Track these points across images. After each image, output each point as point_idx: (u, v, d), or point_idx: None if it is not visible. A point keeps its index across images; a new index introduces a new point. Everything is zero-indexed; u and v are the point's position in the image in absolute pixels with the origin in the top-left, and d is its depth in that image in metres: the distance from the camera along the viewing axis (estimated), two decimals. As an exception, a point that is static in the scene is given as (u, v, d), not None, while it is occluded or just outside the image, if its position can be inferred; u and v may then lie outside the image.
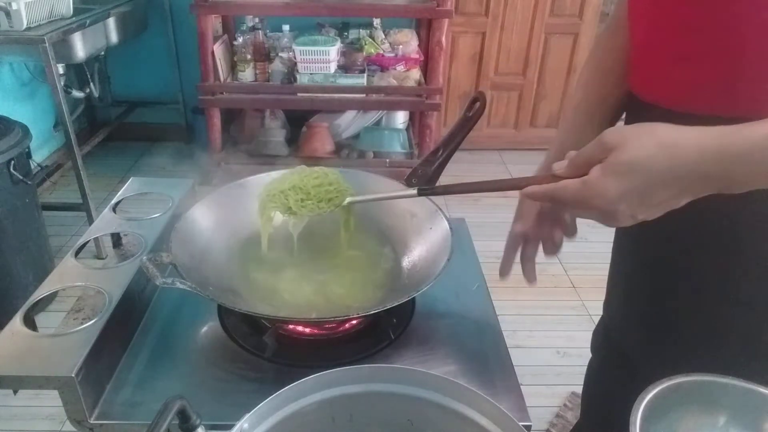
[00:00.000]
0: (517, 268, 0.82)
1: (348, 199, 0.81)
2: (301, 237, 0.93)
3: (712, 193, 0.53)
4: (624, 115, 0.80)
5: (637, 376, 0.86)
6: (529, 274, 0.81)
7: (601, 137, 0.54)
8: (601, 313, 0.96)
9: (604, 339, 0.96)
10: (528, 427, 0.67)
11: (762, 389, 0.56)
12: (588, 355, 1.02)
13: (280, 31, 2.89)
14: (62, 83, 2.17)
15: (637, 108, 0.73)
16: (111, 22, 2.52)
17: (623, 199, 0.53)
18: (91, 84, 2.80)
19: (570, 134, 0.82)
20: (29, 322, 0.71)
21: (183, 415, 0.52)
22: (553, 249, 0.79)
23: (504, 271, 0.82)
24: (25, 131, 1.88)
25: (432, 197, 0.90)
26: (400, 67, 2.82)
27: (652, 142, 0.52)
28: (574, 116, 0.83)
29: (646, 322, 0.81)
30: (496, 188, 0.69)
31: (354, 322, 0.81)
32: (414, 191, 0.73)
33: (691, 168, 0.51)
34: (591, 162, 0.55)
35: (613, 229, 0.83)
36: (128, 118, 3.22)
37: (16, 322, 0.71)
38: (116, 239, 0.93)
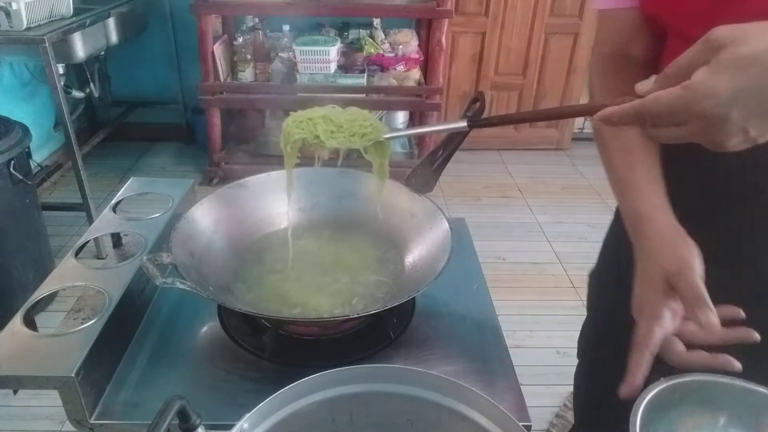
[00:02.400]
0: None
1: (385, 135, 0.73)
2: (301, 237, 0.93)
3: None
4: None
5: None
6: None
7: (708, 35, 0.45)
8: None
9: (595, 341, 0.94)
10: (528, 427, 0.67)
11: (762, 389, 0.56)
12: (588, 355, 1.02)
13: (280, 31, 2.89)
14: (62, 83, 2.17)
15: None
16: (111, 22, 2.52)
17: (738, 100, 0.43)
18: (91, 84, 2.79)
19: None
20: (29, 322, 0.71)
21: (183, 415, 0.52)
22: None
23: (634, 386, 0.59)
24: (25, 131, 1.88)
25: (432, 196, 0.90)
26: (400, 67, 2.82)
27: None
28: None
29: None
30: (560, 116, 0.61)
31: (354, 322, 0.81)
32: (464, 123, 0.64)
33: None
34: (692, 67, 0.45)
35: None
36: (128, 118, 3.22)
37: (16, 322, 0.71)
38: (116, 239, 0.93)
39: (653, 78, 0.49)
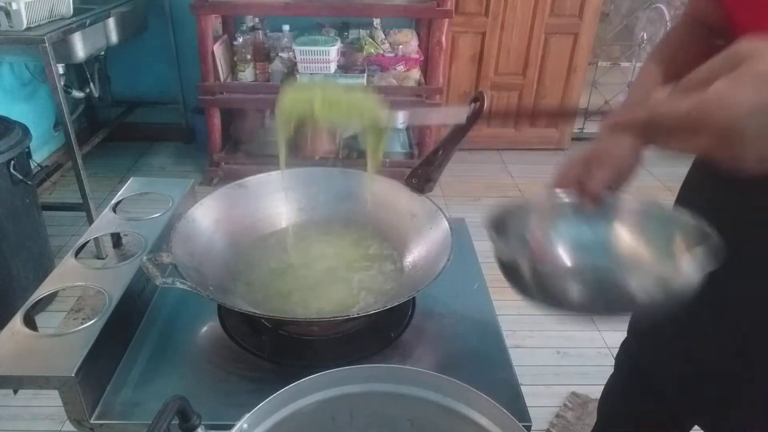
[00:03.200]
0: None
1: (384, 123, 0.72)
2: (300, 237, 0.93)
3: None
4: None
5: (663, 402, 0.85)
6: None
7: (731, 47, 0.43)
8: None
9: (630, 363, 0.95)
10: (528, 427, 0.67)
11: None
12: (588, 355, 1.02)
13: (280, 31, 2.89)
14: (62, 83, 2.16)
15: None
16: (111, 22, 2.52)
17: (755, 116, 0.40)
18: (91, 84, 2.79)
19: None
20: (29, 322, 0.71)
21: (183, 415, 0.52)
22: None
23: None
24: (25, 131, 1.88)
25: (432, 196, 0.90)
26: (400, 67, 2.82)
27: None
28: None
29: (694, 364, 0.78)
30: (564, 114, 0.61)
31: (354, 322, 0.81)
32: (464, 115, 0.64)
33: None
34: (712, 78, 0.43)
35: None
36: (128, 118, 3.22)
37: (16, 322, 0.71)
38: (116, 239, 0.93)
39: (669, 88, 0.47)
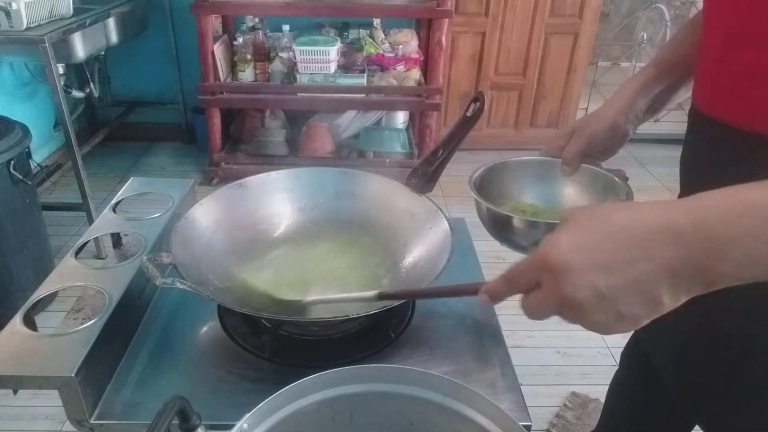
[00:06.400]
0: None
1: (307, 300, 0.78)
2: (300, 237, 0.93)
3: (701, 289, 0.42)
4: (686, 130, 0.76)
5: (667, 395, 0.86)
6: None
7: (533, 254, 0.47)
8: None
9: (637, 356, 0.95)
10: (528, 427, 0.67)
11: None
12: (588, 355, 1.02)
13: (280, 31, 2.89)
14: (62, 83, 2.17)
15: (700, 122, 0.69)
16: (111, 22, 2.52)
17: (577, 251, 0.43)
18: (91, 84, 2.79)
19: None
20: (29, 322, 0.71)
21: (183, 415, 0.52)
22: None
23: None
24: (25, 131, 1.88)
25: (432, 196, 0.90)
26: (400, 67, 2.82)
27: (607, 218, 0.44)
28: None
29: (692, 356, 0.78)
30: (452, 293, 0.71)
31: (354, 322, 0.81)
32: (375, 293, 0.71)
33: (659, 224, 0.41)
34: (530, 273, 0.47)
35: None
36: (128, 118, 3.22)
37: (16, 322, 0.71)
38: (116, 239, 0.93)
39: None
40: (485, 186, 0.84)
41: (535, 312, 0.48)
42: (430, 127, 2.91)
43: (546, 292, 0.46)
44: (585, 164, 0.81)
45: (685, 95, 0.81)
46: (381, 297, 0.71)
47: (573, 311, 0.45)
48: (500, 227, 0.77)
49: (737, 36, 0.61)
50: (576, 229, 0.44)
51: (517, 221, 0.75)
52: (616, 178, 0.79)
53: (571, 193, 0.84)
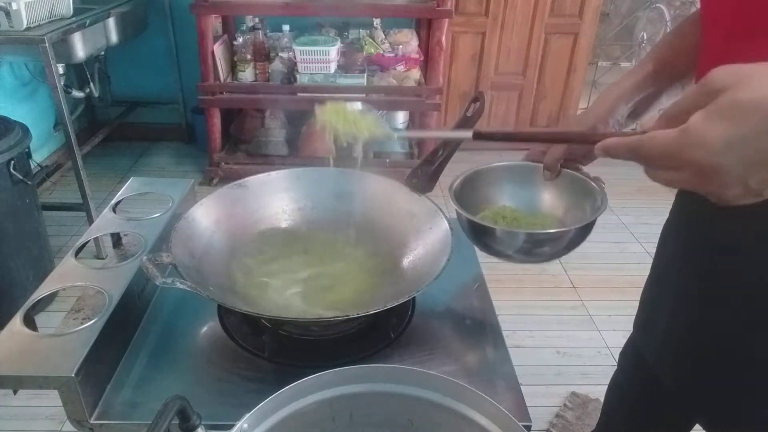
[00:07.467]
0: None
1: (398, 134, 0.75)
2: (300, 237, 0.93)
3: None
4: None
5: (666, 395, 0.86)
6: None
7: (705, 78, 0.42)
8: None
9: (634, 358, 0.95)
10: (528, 427, 0.67)
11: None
12: (588, 355, 1.02)
13: (280, 31, 2.89)
14: (62, 83, 2.16)
15: None
16: (111, 22, 2.52)
17: (732, 150, 0.40)
18: (91, 84, 2.80)
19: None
20: (29, 322, 0.71)
21: (183, 415, 0.52)
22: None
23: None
24: (25, 131, 1.88)
25: (432, 196, 0.90)
26: (400, 67, 2.82)
27: None
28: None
29: (688, 357, 0.79)
30: (565, 139, 0.66)
31: (354, 322, 0.81)
32: (469, 134, 0.67)
33: None
34: (691, 110, 0.43)
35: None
36: (128, 118, 3.22)
37: (16, 322, 0.71)
38: (116, 239, 0.93)
39: (658, 115, 0.48)
40: (469, 190, 0.85)
41: (664, 183, 0.47)
42: (429, 127, 2.91)
43: (686, 180, 0.44)
44: (566, 169, 0.81)
45: (666, 103, 0.80)
46: (476, 136, 0.67)
47: (712, 196, 0.44)
48: (479, 236, 0.80)
49: (739, 28, 0.61)
50: (727, 123, 0.40)
51: (499, 231, 0.77)
52: (593, 183, 0.80)
53: (550, 197, 0.85)
